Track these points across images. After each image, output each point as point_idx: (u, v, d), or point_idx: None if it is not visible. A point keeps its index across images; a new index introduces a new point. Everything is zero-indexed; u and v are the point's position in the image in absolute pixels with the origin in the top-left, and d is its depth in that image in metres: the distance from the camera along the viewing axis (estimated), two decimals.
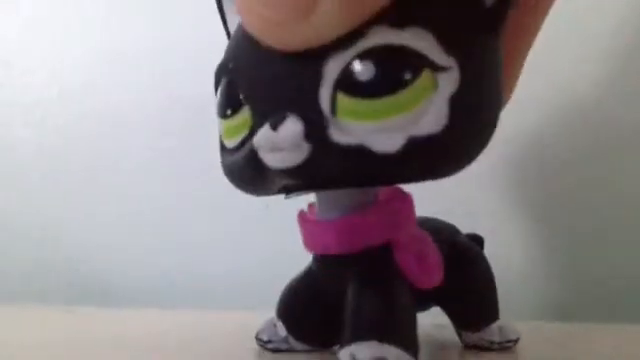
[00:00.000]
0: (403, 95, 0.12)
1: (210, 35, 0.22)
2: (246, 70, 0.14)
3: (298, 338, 0.20)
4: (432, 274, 0.17)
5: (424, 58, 0.12)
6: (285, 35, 0.12)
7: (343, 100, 0.12)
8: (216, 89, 0.15)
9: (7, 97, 0.41)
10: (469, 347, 0.21)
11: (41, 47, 0.41)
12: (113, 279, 0.39)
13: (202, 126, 0.28)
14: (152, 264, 0.39)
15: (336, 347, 0.17)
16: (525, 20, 0.15)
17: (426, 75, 0.12)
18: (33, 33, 0.41)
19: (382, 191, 0.17)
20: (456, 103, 0.12)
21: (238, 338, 0.22)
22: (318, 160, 0.12)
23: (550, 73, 0.32)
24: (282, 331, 0.20)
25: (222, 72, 0.15)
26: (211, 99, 0.15)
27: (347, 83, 0.12)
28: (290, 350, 0.20)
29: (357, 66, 0.12)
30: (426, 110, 0.12)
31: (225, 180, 0.15)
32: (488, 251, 0.22)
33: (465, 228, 0.22)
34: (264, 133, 0.12)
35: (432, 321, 0.24)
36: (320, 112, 0.12)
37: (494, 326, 0.21)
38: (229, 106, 0.14)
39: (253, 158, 0.13)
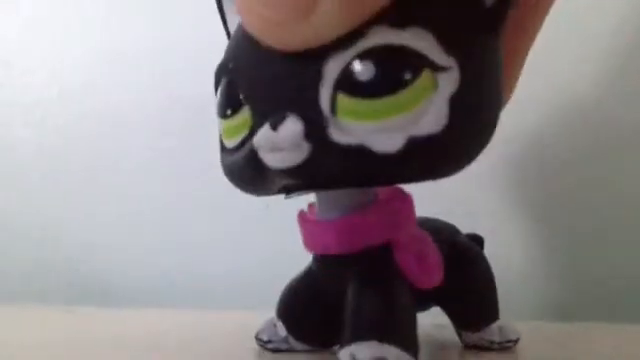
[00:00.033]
0: (403, 95, 0.12)
1: (210, 35, 0.22)
2: (246, 70, 0.14)
3: (298, 338, 0.20)
4: (432, 274, 0.17)
5: (424, 58, 0.12)
6: (285, 35, 0.12)
7: (343, 100, 0.12)
8: (216, 89, 0.15)
9: (7, 97, 0.41)
10: (469, 347, 0.21)
11: (41, 47, 0.41)
12: (113, 279, 0.39)
13: (202, 126, 0.28)
14: (152, 264, 0.39)
15: (336, 347, 0.17)
16: (525, 20, 0.15)
17: (426, 75, 0.12)
18: (33, 33, 0.41)
19: (382, 191, 0.17)
20: (456, 103, 0.12)
21: (238, 338, 0.22)
22: (318, 160, 0.12)
23: (550, 73, 0.32)
24: (282, 331, 0.20)
25: (222, 72, 0.15)
26: (211, 99, 0.15)
27: (347, 83, 0.12)
28: (290, 350, 0.20)
29: (357, 66, 0.12)
30: (426, 110, 0.12)
31: (225, 180, 0.15)
32: (488, 251, 0.22)
33: (465, 228, 0.22)
34: (264, 133, 0.12)
35: (432, 321, 0.24)
36: (320, 112, 0.12)
37: (494, 326, 0.21)
38: (229, 106, 0.14)
39: (253, 158, 0.13)
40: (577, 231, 0.33)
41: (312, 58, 0.12)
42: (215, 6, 0.17)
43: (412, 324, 0.16)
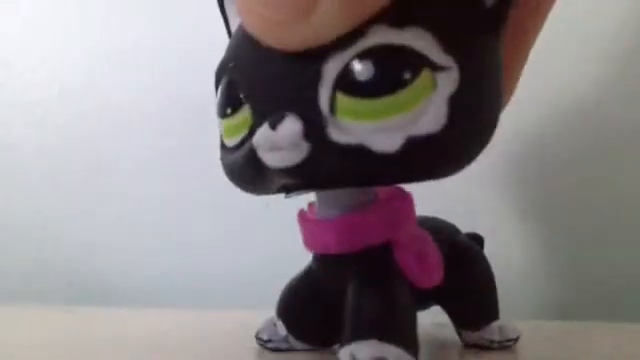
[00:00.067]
0: (402, 95, 0.12)
1: (210, 35, 0.22)
2: (246, 70, 0.14)
3: (298, 337, 0.20)
4: (432, 273, 0.17)
5: (423, 58, 0.12)
6: (285, 35, 0.12)
7: (342, 100, 0.12)
8: (216, 88, 0.15)
9: (7, 97, 0.41)
10: (469, 346, 0.21)
11: (41, 47, 0.41)
12: (113, 279, 0.39)
13: (202, 126, 0.28)
14: (152, 264, 0.39)
15: (336, 346, 0.17)
16: (526, 21, 0.15)
17: (425, 75, 0.12)
18: (33, 33, 0.41)
19: (382, 190, 0.17)
20: (455, 103, 0.12)
21: (238, 338, 0.22)
22: (317, 159, 0.12)
23: (550, 73, 0.32)
24: (282, 330, 0.20)
25: (222, 71, 0.15)
26: (211, 99, 0.15)
27: (346, 83, 0.12)
28: (290, 349, 0.20)
29: (356, 66, 0.12)
30: (425, 110, 0.12)
31: (225, 180, 0.15)
32: (488, 251, 0.22)
33: (465, 227, 0.22)
34: (263, 132, 0.13)
35: (432, 320, 0.24)
36: (319, 112, 0.12)
37: (494, 325, 0.21)
38: (229, 105, 0.14)
39: (252, 157, 0.13)
40: (577, 231, 0.33)
41: (312, 58, 0.12)
42: (215, 6, 0.17)
43: (412, 323, 0.16)
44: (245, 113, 0.14)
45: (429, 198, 0.20)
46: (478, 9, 0.12)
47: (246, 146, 0.14)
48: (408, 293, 0.16)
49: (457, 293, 0.20)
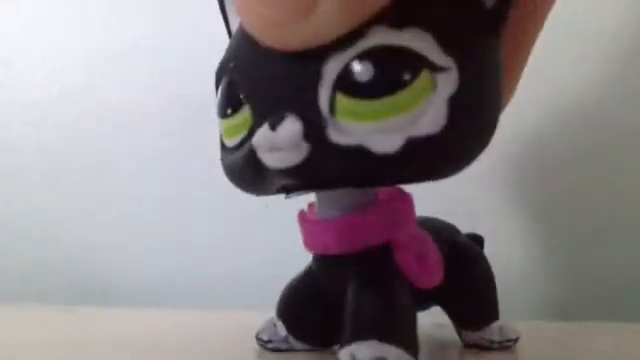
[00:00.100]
0: (402, 96, 0.12)
1: (210, 35, 0.22)
2: (246, 70, 0.14)
3: (298, 338, 0.20)
4: (432, 274, 0.17)
5: (423, 59, 0.12)
6: (285, 35, 0.12)
7: (342, 100, 0.12)
8: (217, 89, 0.15)
9: (7, 97, 0.41)
10: (469, 346, 0.21)
11: (41, 47, 0.41)
12: (113, 279, 0.39)
13: (202, 126, 0.28)
14: (152, 264, 0.39)
15: (336, 347, 0.17)
16: (526, 22, 0.15)
17: (425, 76, 0.12)
18: (33, 33, 0.41)
19: (382, 191, 0.17)
20: (455, 103, 0.12)
21: (238, 338, 0.22)
22: (317, 160, 0.12)
23: (550, 73, 0.32)
24: (282, 331, 0.20)
25: (223, 72, 0.15)
26: (211, 99, 0.15)
27: (346, 83, 0.12)
28: (290, 350, 0.20)
29: (356, 66, 0.12)
30: (425, 111, 0.12)
31: (225, 180, 0.15)
32: (488, 251, 0.22)
33: (465, 228, 0.22)
34: (263, 133, 0.13)
35: (432, 320, 0.24)
36: (319, 112, 0.12)
37: (494, 325, 0.21)
38: (229, 105, 0.14)
39: (252, 158, 0.13)
40: (577, 231, 0.33)
41: (311, 58, 0.12)
42: (215, 6, 0.17)
43: (412, 324, 0.16)
44: (245, 113, 0.14)
45: (429, 199, 0.20)
46: (478, 10, 0.12)
47: (246, 147, 0.14)
48: (408, 293, 0.16)
49: (457, 293, 0.20)
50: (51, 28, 0.40)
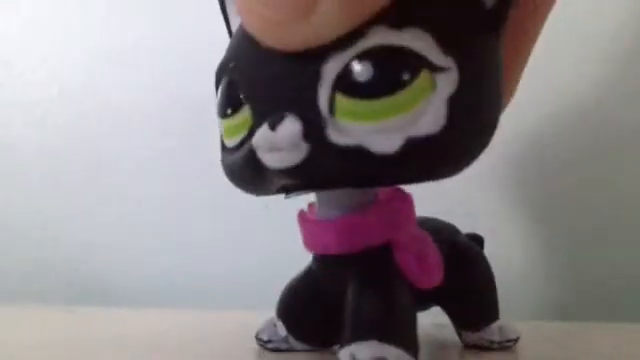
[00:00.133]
0: (401, 96, 0.12)
1: (210, 35, 0.22)
2: (246, 70, 0.14)
3: (298, 338, 0.20)
4: (432, 274, 0.17)
5: (422, 59, 0.12)
6: (285, 35, 0.12)
7: (342, 100, 0.12)
8: (217, 89, 0.15)
9: (7, 97, 0.41)
10: (469, 347, 0.21)
11: (41, 47, 0.41)
12: (113, 279, 0.39)
13: (202, 126, 0.28)
14: (152, 264, 0.39)
15: (336, 347, 0.17)
16: (526, 22, 0.15)
17: (424, 76, 0.12)
18: (33, 33, 0.41)
19: (382, 191, 0.17)
20: (455, 104, 0.12)
21: (238, 338, 0.22)
22: (316, 160, 0.12)
23: (550, 73, 0.32)
24: (282, 331, 0.20)
25: (223, 72, 0.15)
26: (211, 99, 0.15)
27: (346, 83, 0.12)
28: (290, 350, 0.20)
29: (356, 66, 0.12)
30: (424, 111, 0.12)
31: (225, 180, 0.15)
32: (488, 251, 0.22)
33: (465, 228, 0.22)
34: (262, 133, 0.13)
35: (432, 321, 0.24)
36: (318, 112, 0.12)
37: (494, 326, 0.21)
38: (229, 105, 0.14)
39: (252, 158, 0.13)
40: (577, 231, 0.33)
41: (311, 58, 0.12)
42: (215, 6, 0.17)
43: (412, 324, 0.16)
44: (245, 113, 0.14)
45: (429, 199, 0.20)
46: (478, 10, 0.12)
47: (246, 147, 0.14)
48: (408, 294, 0.16)
49: (457, 294, 0.20)
50: (51, 28, 0.40)
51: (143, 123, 0.39)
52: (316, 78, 0.12)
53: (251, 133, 0.13)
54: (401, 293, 0.16)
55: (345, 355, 0.14)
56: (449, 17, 0.12)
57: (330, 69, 0.12)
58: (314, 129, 0.12)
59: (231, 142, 0.15)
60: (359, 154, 0.12)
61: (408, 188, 0.17)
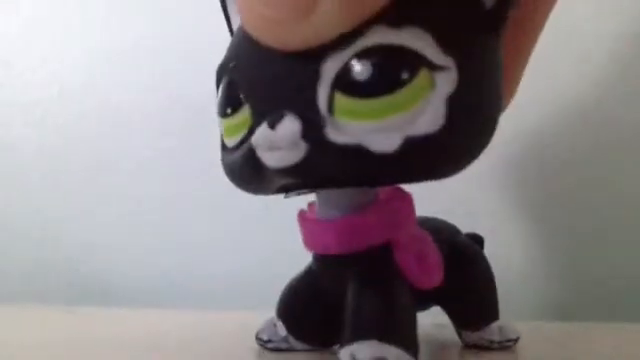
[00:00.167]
0: (401, 94, 0.12)
1: (210, 35, 0.22)
2: (246, 69, 0.14)
3: (298, 338, 0.20)
4: (432, 274, 0.17)
5: (422, 58, 0.12)
6: (285, 34, 0.12)
7: (341, 100, 0.12)
8: (217, 88, 0.15)
9: (7, 97, 0.41)
10: (469, 346, 0.21)
11: (41, 47, 0.41)
12: (113, 279, 0.39)
13: (202, 126, 0.28)
14: (152, 264, 0.39)
15: (336, 347, 0.17)
16: (526, 22, 0.15)
17: (423, 75, 0.12)
18: (33, 33, 0.41)
19: (382, 191, 0.17)
20: (454, 103, 0.12)
21: (238, 338, 0.22)
22: (315, 159, 0.12)
23: (550, 73, 0.32)
24: (282, 331, 0.20)
25: (223, 71, 0.15)
26: (211, 99, 0.15)
27: (345, 82, 0.12)
28: (290, 350, 0.20)
29: (355, 66, 0.12)
30: (423, 110, 0.12)
31: (225, 180, 0.15)
32: (488, 251, 0.22)
33: (465, 228, 0.22)
34: (262, 132, 0.13)
35: (432, 321, 0.24)
36: (318, 111, 0.12)
37: (494, 325, 0.21)
38: (229, 105, 0.14)
39: (251, 157, 0.13)
40: (577, 231, 0.33)
41: (311, 58, 0.12)
42: (215, 6, 0.17)
43: (412, 324, 0.16)
44: (245, 113, 0.14)
45: (429, 199, 0.20)
46: (478, 10, 0.12)
47: (245, 146, 0.14)
48: (408, 294, 0.16)
49: (457, 293, 0.20)
50: (51, 28, 0.41)
51: (143, 123, 0.39)
52: (315, 77, 0.12)
53: (251, 132, 0.13)
54: (401, 293, 0.16)
55: (345, 355, 0.14)
56: (449, 17, 0.12)
57: (329, 68, 0.12)
58: (313, 128, 0.12)
59: (231, 142, 0.15)
60: (358, 153, 0.12)
61: (408, 188, 0.17)
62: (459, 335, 0.22)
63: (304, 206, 0.19)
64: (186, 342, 0.23)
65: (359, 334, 0.15)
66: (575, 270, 0.33)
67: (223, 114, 0.15)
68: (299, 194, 0.15)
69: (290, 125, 0.12)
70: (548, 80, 0.32)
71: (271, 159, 0.13)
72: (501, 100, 0.13)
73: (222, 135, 0.15)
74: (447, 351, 0.22)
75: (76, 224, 0.40)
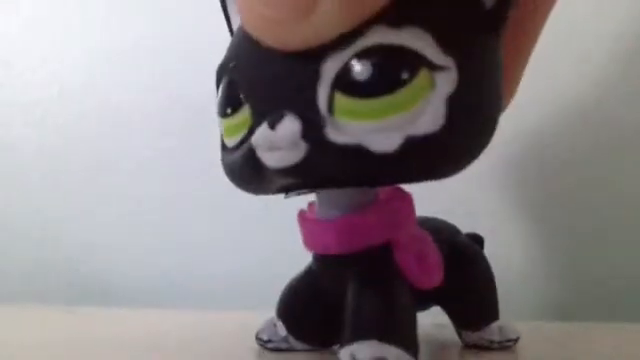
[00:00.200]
0: (401, 94, 0.12)
1: (210, 35, 0.22)
2: (246, 69, 0.14)
3: (298, 338, 0.20)
4: (432, 274, 0.17)
5: (422, 58, 0.12)
6: (285, 34, 0.12)
7: (341, 100, 0.12)
8: (217, 88, 0.15)
9: (7, 97, 0.41)
10: (469, 346, 0.21)
11: (41, 47, 0.41)
12: (113, 279, 0.39)
13: (202, 126, 0.28)
14: (152, 264, 0.39)
15: (336, 347, 0.17)
16: (526, 22, 0.15)
17: (423, 75, 0.12)
18: (33, 33, 0.41)
19: (382, 191, 0.17)
20: (454, 103, 0.12)
21: (238, 338, 0.22)
22: (315, 159, 0.12)
23: (550, 73, 0.32)
24: (282, 331, 0.20)
25: (223, 71, 0.15)
26: (211, 99, 0.15)
27: (345, 82, 0.12)
28: (290, 350, 0.20)
29: (355, 65, 0.12)
30: (423, 110, 0.12)
31: (225, 180, 0.15)
32: (488, 251, 0.22)
33: (465, 228, 0.22)
34: (262, 132, 0.13)
35: (432, 321, 0.24)
36: (317, 111, 0.12)
37: (494, 325, 0.21)
38: (229, 105, 0.14)
39: (251, 157, 0.13)
40: (577, 231, 0.33)
41: (311, 58, 0.12)
42: (215, 6, 0.17)
43: (412, 324, 0.16)
44: (245, 113, 0.14)
45: (429, 199, 0.20)
46: (478, 10, 0.12)
47: (245, 146, 0.14)
48: (408, 294, 0.16)
49: (457, 293, 0.20)
50: (51, 28, 0.40)
51: (143, 123, 0.39)
52: (315, 77, 0.12)
53: (251, 132, 0.13)
54: (401, 293, 0.16)
55: (345, 355, 0.14)
56: (449, 17, 0.12)
57: (329, 68, 0.12)
58: (313, 128, 0.12)
59: (231, 142, 0.15)
60: (358, 153, 0.12)
61: (408, 188, 0.17)
62: (459, 335, 0.22)
63: (304, 206, 0.19)
64: (186, 342, 0.23)
65: (359, 334, 0.15)
66: (575, 270, 0.33)
67: (223, 114, 0.15)
68: (299, 194, 0.15)
69: (290, 125, 0.12)
70: (548, 80, 0.32)
71: (271, 159, 0.13)
72: (501, 100, 0.13)
73: (222, 135, 0.15)
74: (447, 351, 0.22)
75: (76, 224, 0.40)
